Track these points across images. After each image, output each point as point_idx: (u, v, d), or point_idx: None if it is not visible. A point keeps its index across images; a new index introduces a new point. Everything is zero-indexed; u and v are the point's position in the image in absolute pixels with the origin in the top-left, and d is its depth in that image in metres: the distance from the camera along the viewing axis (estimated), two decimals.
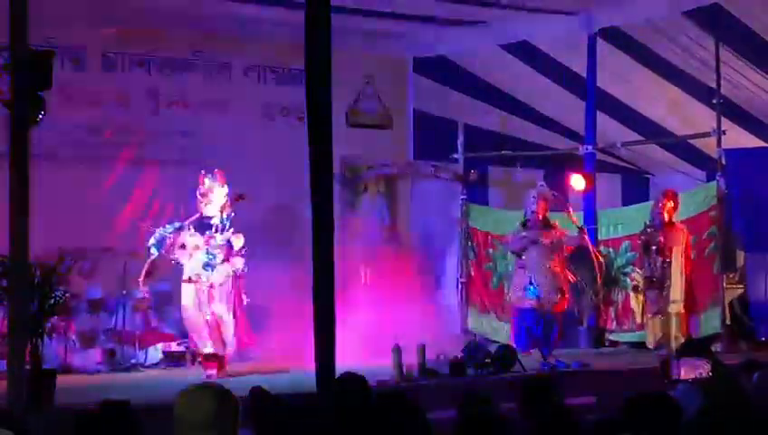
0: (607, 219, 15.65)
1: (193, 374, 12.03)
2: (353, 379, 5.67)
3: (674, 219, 14.08)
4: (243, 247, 12.14)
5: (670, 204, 14.00)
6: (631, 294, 14.19)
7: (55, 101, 10.42)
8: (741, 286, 15.28)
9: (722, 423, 3.41)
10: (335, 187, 9.02)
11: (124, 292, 13.39)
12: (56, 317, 10.93)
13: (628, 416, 4.60)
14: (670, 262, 13.75)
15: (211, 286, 11.98)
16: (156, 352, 13.61)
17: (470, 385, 10.94)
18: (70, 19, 13.80)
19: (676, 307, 13.84)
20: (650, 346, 13.99)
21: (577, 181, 15.42)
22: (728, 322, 14.37)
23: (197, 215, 12.13)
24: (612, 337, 15.29)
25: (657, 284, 13.60)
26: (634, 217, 15.03)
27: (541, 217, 13.43)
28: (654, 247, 13.63)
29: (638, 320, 14.32)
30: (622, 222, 15.53)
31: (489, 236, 16.29)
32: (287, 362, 12.04)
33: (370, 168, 15.88)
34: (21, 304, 9.02)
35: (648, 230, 13.92)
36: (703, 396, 5.38)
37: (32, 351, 9.53)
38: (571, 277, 13.41)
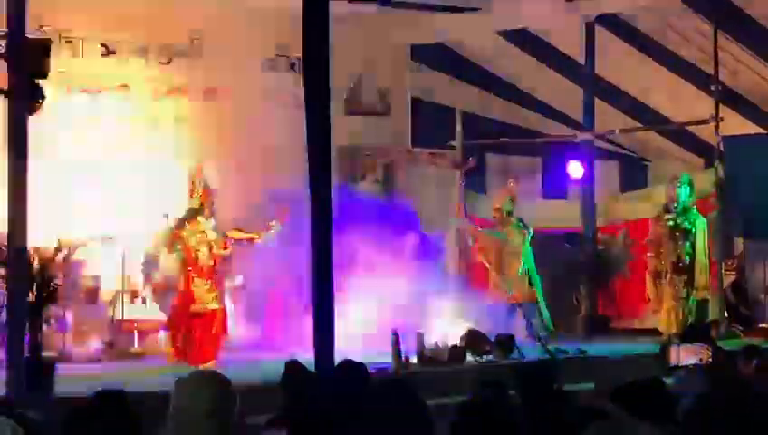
0: (605, 207, 15.64)
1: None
2: (352, 366, 5.64)
3: (691, 205, 13.78)
4: None
5: (688, 190, 13.71)
6: (648, 280, 13.94)
7: (54, 88, 10.40)
8: (733, 273, 15.23)
9: (722, 409, 3.41)
10: (333, 174, 9.03)
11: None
12: (55, 306, 10.90)
13: (618, 404, 4.60)
14: (694, 249, 13.53)
15: None
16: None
17: (472, 372, 10.96)
18: (69, 5, 13.76)
19: (702, 293, 13.61)
20: (663, 332, 13.67)
21: (575, 168, 15.37)
22: (724, 308, 14.34)
23: None
24: (615, 323, 15.27)
25: (683, 269, 13.37)
26: (633, 205, 15.00)
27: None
28: (678, 233, 13.43)
29: (654, 305, 14.05)
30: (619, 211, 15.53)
31: (488, 225, 16.26)
32: (286, 349, 12.02)
33: (368, 155, 15.83)
34: (19, 293, 9.02)
35: (667, 216, 13.62)
36: (703, 382, 5.38)
37: (31, 340, 9.51)
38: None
